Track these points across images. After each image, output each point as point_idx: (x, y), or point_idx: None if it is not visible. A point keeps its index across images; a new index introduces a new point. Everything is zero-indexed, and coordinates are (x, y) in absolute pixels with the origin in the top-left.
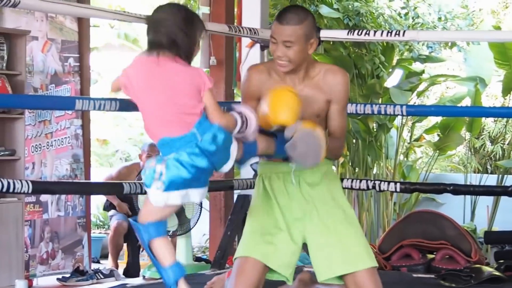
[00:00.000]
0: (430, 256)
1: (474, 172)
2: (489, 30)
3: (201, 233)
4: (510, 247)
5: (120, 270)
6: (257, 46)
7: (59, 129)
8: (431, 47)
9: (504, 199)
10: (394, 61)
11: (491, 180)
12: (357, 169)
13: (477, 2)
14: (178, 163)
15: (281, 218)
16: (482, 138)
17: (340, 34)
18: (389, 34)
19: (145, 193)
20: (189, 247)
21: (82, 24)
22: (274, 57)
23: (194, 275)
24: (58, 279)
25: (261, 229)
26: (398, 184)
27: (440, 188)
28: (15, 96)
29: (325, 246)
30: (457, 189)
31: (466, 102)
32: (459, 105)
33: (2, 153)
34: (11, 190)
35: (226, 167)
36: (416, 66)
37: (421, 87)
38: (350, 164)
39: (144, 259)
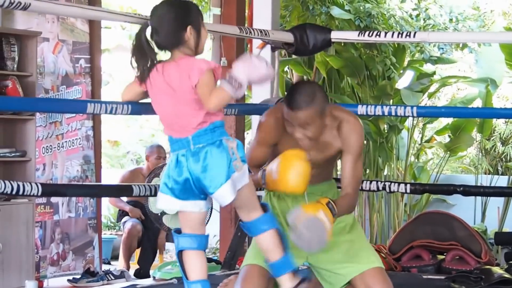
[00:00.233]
0: (440, 257)
1: (485, 174)
2: (500, 31)
3: (211, 234)
4: None
5: (132, 272)
6: (268, 47)
7: (70, 131)
8: (442, 48)
9: None
10: (405, 63)
11: (502, 181)
12: (368, 170)
13: (489, 4)
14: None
15: (287, 237)
16: (493, 140)
17: (351, 35)
18: (400, 35)
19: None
20: None
21: (93, 25)
22: (294, 134)
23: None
24: (68, 280)
25: None
26: (408, 185)
27: (450, 189)
28: (26, 99)
29: (329, 261)
30: (467, 190)
31: (477, 103)
32: (470, 106)
33: (13, 154)
34: (20, 192)
35: (220, 194)
36: (427, 68)
37: (432, 89)
38: None
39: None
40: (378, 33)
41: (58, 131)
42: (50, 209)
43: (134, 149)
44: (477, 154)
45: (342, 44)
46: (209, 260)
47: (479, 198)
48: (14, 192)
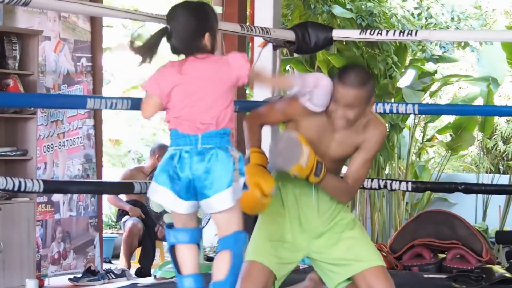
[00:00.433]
0: (441, 255)
1: (486, 172)
2: (502, 30)
3: (212, 233)
4: None
5: (132, 271)
6: (270, 46)
7: (71, 129)
8: (444, 47)
9: None
10: (407, 61)
11: (503, 180)
12: (369, 169)
13: (490, 3)
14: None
15: (289, 228)
16: (494, 138)
17: (353, 34)
18: (401, 33)
19: None
20: (200, 247)
21: (95, 24)
22: (332, 114)
23: (205, 274)
24: (69, 279)
25: (270, 236)
26: (409, 183)
27: (451, 187)
28: (26, 95)
29: (332, 257)
30: (469, 188)
31: (479, 102)
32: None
33: (14, 153)
34: (22, 189)
35: (219, 198)
36: (429, 66)
37: (433, 87)
38: None
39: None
40: (380, 32)
41: (59, 130)
42: (51, 208)
43: (136, 148)
44: (479, 153)
45: (344, 43)
46: (210, 258)
47: (480, 197)
48: (16, 189)
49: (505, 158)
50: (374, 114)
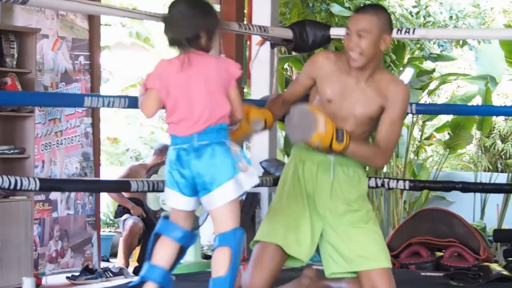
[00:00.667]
0: (439, 253)
1: (485, 171)
2: (500, 28)
3: (210, 231)
4: None
5: (130, 269)
6: (267, 44)
7: (69, 128)
8: (442, 45)
9: None
10: (405, 60)
11: (501, 178)
12: (367, 168)
13: (489, 1)
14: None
15: (306, 206)
16: (492, 137)
17: None
18: (399, 32)
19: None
20: (198, 245)
21: (93, 22)
22: (346, 49)
23: (203, 273)
24: (67, 277)
25: (285, 215)
26: (407, 182)
27: (449, 185)
28: (24, 93)
29: (339, 242)
30: (466, 187)
31: (477, 100)
32: (469, 103)
33: (12, 151)
34: (18, 187)
35: (221, 191)
36: (427, 65)
37: (432, 86)
38: None
39: None
40: None
41: (57, 128)
42: (48, 206)
43: (134, 146)
44: (477, 151)
45: (342, 41)
46: (208, 257)
47: (478, 195)
48: (12, 187)
49: (503, 156)
50: (396, 76)
